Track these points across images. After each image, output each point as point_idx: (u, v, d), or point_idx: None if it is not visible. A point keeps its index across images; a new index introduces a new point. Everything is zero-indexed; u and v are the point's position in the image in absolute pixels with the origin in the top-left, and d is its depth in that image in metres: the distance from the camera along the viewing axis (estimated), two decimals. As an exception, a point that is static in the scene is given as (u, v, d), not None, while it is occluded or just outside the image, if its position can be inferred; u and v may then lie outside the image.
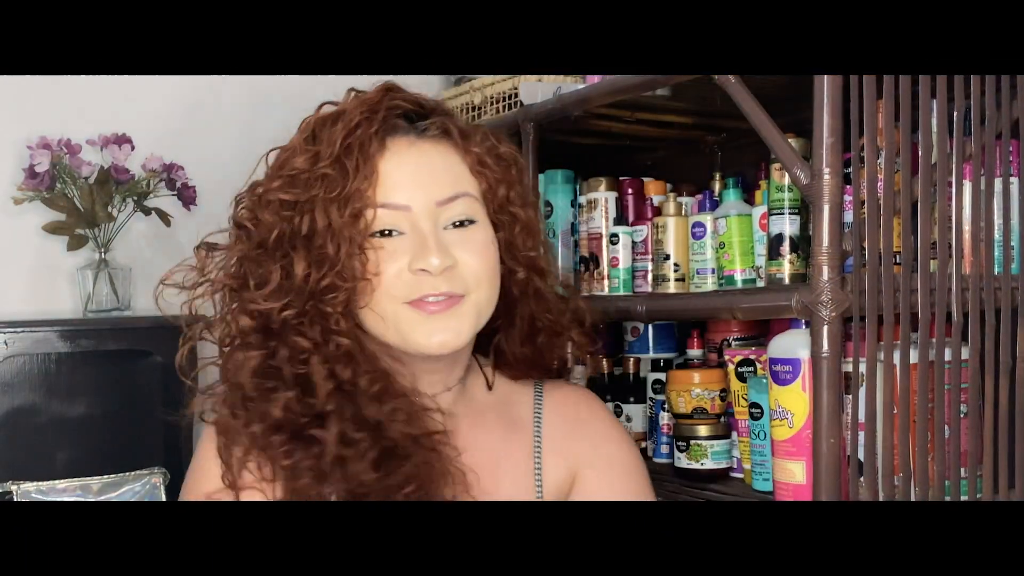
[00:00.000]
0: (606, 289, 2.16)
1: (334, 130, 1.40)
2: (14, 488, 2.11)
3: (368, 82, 1.51)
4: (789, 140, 1.62)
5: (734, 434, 2.01)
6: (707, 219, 1.98)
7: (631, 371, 2.38)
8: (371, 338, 1.45)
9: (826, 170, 1.53)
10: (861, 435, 1.58)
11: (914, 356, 1.62)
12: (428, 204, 1.41)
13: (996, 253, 1.73)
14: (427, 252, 1.38)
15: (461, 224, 1.43)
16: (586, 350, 1.67)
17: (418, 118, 1.47)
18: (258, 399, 1.40)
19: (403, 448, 1.39)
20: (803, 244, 1.74)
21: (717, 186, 2.11)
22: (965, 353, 1.68)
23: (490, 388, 1.58)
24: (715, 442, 2.00)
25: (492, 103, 2.46)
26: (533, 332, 1.57)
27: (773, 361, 1.71)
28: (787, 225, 1.75)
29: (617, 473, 1.57)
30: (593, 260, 2.18)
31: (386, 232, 1.40)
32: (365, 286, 1.39)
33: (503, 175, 1.49)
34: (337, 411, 1.38)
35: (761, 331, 2.15)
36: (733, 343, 2.17)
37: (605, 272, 2.16)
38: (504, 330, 1.57)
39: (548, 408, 1.59)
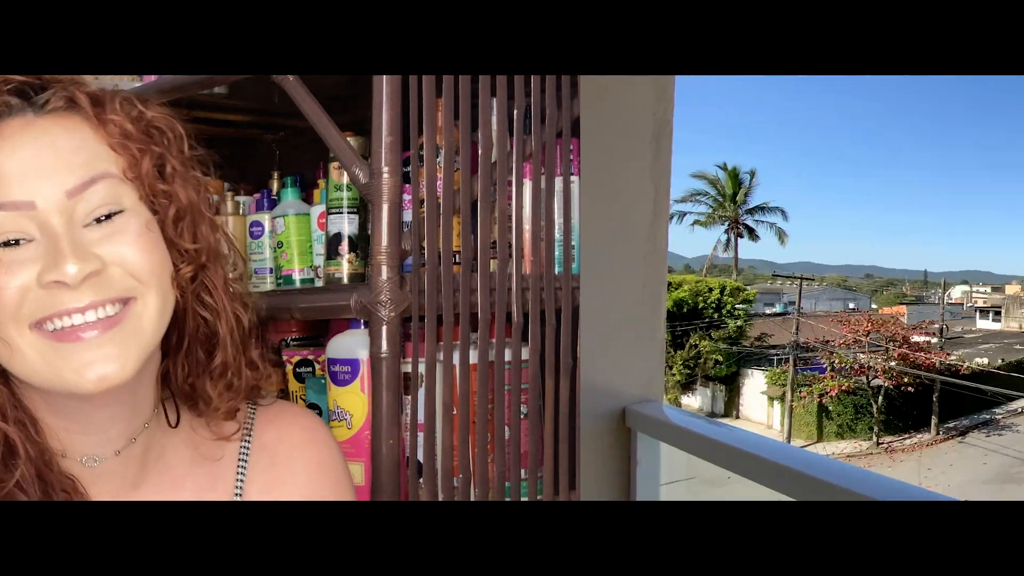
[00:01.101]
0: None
1: None
2: None
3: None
4: (348, 139, 1.60)
5: (294, 437, 1.98)
6: (265, 218, 1.95)
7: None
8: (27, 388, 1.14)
9: (385, 169, 1.52)
10: (421, 436, 1.57)
11: (474, 356, 1.62)
12: (56, 196, 1.08)
13: (556, 252, 1.76)
14: (60, 258, 1.06)
15: (107, 218, 1.10)
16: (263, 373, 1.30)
17: (35, 92, 1.14)
18: None
19: None
20: (362, 243, 1.72)
21: (275, 185, 2.07)
22: (525, 353, 1.70)
23: (173, 426, 1.25)
24: (274, 446, 1.96)
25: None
26: (209, 352, 1.25)
27: (331, 362, 1.68)
28: (346, 224, 1.74)
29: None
30: (146, 261, 2.09)
31: (11, 242, 1.07)
32: None
33: (150, 145, 1.17)
34: None
35: (320, 331, 2.13)
36: (291, 343, 2.13)
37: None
38: (173, 354, 1.24)
39: (256, 446, 1.30)
